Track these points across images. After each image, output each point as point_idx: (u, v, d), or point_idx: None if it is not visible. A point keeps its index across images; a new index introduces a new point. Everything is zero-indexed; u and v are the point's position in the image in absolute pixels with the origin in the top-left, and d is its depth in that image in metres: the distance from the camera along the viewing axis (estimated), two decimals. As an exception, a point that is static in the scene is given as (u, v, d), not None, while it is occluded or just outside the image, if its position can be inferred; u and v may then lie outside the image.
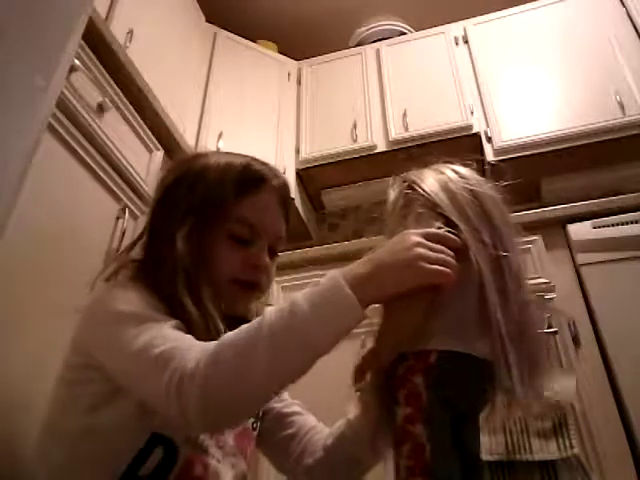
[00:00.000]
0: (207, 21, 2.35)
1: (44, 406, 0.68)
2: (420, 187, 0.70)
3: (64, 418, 0.65)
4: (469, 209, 0.68)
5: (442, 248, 0.57)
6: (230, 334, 0.55)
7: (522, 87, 2.08)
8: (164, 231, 0.72)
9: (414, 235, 0.58)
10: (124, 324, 0.60)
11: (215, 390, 0.52)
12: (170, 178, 0.77)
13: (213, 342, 0.55)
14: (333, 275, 0.58)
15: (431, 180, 0.72)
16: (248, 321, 0.58)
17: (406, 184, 0.73)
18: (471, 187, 0.72)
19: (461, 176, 0.75)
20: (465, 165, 0.81)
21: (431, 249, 0.57)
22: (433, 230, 0.60)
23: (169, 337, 0.58)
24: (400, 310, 0.61)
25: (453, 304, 0.59)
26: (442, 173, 0.76)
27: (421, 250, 0.56)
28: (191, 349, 0.55)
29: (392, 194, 0.73)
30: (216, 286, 0.70)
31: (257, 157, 0.80)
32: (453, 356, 0.58)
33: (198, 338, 0.59)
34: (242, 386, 0.53)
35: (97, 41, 1.16)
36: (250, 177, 0.75)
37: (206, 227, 0.71)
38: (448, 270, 0.55)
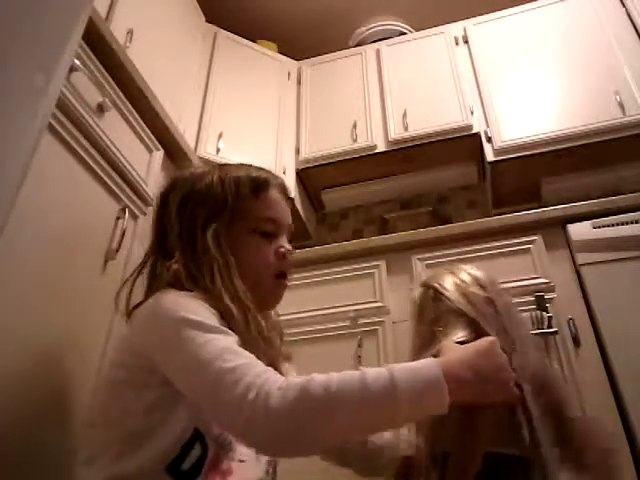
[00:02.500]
0: (207, 21, 2.35)
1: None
2: (445, 296, 0.82)
3: (124, 417, 0.67)
4: (486, 310, 0.78)
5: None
6: (323, 378, 0.58)
7: (522, 87, 2.09)
8: (193, 238, 0.77)
9: (499, 351, 0.66)
10: (190, 331, 0.63)
11: (291, 424, 0.56)
12: (183, 192, 0.83)
13: (297, 379, 0.58)
14: (438, 375, 0.59)
15: (451, 286, 0.84)
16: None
17: (431, 291, 0.85)
18: (486, 292, 0.83)
19: (475, 279, 0.85)
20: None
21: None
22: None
23: (241, 354, 0.62)
24: (485, 420, 0.68)
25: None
26: (459, 277, 0.86)
27: (511, 373, 0.65)
28: (267, 371, 0.59)
29: (416, 299, 0.87)
30: (256, 282, 0.78)
31: (251, 164, 0.90)
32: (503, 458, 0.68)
33: (239, 334, 0.65)
34: (315, 434, 0.57)
35: (97, 41, 1.16)
36: (258, 181, 0.84)
37: (230, 229, 0.79)
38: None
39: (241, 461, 0.72)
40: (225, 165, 0.88)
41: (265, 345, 0.74)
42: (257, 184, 0.83)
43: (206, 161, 1.90)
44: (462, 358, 0.64)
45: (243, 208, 0.81)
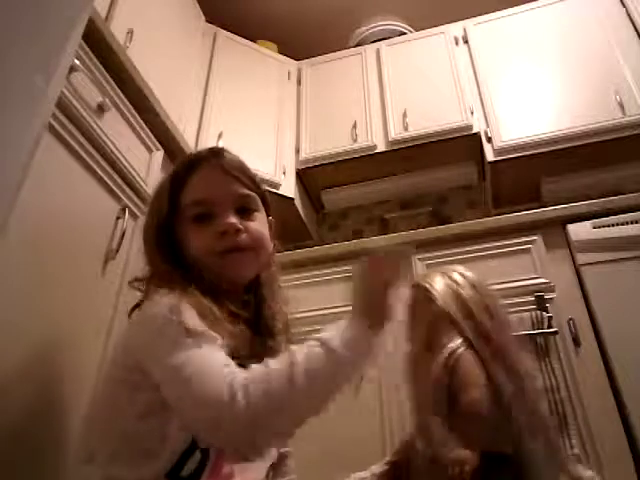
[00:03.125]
0: (207, 21, 2.35)
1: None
2: (434, 296, 0.82)
3: (119, 417, 0.67)
4: (474, 307, 0.79)
5: None
6: (265, 372, 0.59)
7: (522, 87, 2.09)
8: (145, 243, 0.80)
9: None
10: (171, 335, 0.63)
11: (258, 415, 0.56)
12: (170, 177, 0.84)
13: (254, 372, 0.59)
14: (360, 324, 0.66)
15: (442, 287, 0.84)
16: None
17: (421, 291, 0.86)
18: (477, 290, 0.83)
19: (468, 280, 0.86)
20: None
21: None
22: None
23: (211, 361, 0.61)
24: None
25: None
26: (451, 278, 0.86)
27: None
28: (229, 380, 0.58)
29: (407, 300, 0.86)
30: (207, 267, 0.75)
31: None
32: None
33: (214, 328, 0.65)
34: (278, 427, 0.59)
35: (97, 41, 1.16)
36: (183, 166, 0.82)
37: (176, 227, 0.79)
38: None
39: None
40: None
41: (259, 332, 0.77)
42: (184, 169, 0.81)
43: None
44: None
45: (176, 202, 0.80)
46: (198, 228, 0.77)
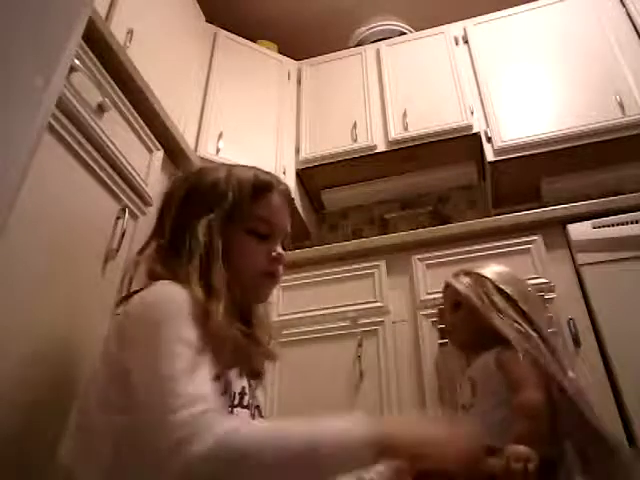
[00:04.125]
0: (207, 21, 2.35)
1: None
2: (490, 281, 0.90)
3: (111, 412, 0.67)
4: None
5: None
6: (251, 436, 0.58)
7: (522, 87, 2.09)
8: (187, 223, 0.80)
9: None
10: (165, 337, 0.64)
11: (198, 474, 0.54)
12: (188, 186, 0.86)
13: (237, 432, 0.57)
14: (367, 440, 0.59)
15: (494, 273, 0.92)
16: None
17: (486, 281, 0.91)
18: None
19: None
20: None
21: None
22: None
23: (194, 383, 0.60)
24: None
25: None
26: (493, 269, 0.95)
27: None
28: (213, 426, 0.56)
29: (461, 287, 0.91)
30: (244, 278, 0.80)
31: (259, 167, 0.91)
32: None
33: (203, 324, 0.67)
34: None
35: (97, 41, 1.16)
36: (262, 182, 0.86)
37: (227, 226, 0.80)
38: None
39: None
40: (235, 166, 0.90)
41: (248, 342, 0.77)
42: (260, 186, 0.85)
43: (206, 161, 1.90)
44: (423, 430, 0.64)
45: (242, 207, 0.82)
46: (254, 241, 0.83)
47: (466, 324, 0.91)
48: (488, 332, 0.88)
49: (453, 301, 0.95)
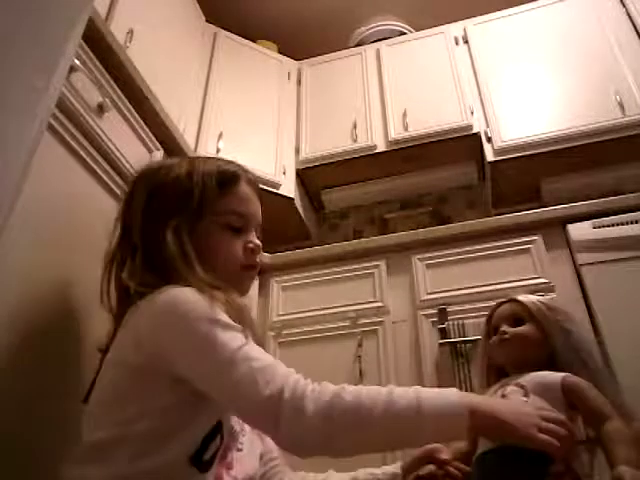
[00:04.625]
0: (207, 21, 2.35)
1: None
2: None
3: (135, 414, 0.65)
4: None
5: (557, 419, 0.67)
6: (353, 388, 0.62)
7: (522, 87, 2.09)
8: (154, 230, 0.77)
9: (536, 409, 0.69)
10: (210, 328, 0.64)
11: (323, 428, 0.58)
12: (151, 183, 0.83)
13: (329, 385, 0.62)
14: (459, 402, 0.63)
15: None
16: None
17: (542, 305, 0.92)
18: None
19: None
20: None
21: (546, 419, 0.66)
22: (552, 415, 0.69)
23: (265, 355, 0.64)
24: None
25: None
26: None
27: (537, 420, 0.65)
28: (293, 373, 0.63)
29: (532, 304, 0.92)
30: (223, 273, 0.77)
31: (221, 157, 0.93)
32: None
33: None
34: (339, 445, 0.61)
35: (97, 41, 1.16)
36: (227, 174, 0.84)
37: (198, 223, 0.78)
38: (556, 442, 0.63)
39: (239, 450, 0.74)
40: (195, 158, 0.88)
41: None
42: (225, 179, 0.83)
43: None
44: (493, 400, 0.74)
45: (211, 203, 0.80)
46: (229, 236, 0.81)
47: (528, 340, 0.89)
48: (545, 353, 0.87)
49: (516, 316, 0.93)
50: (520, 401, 0.76)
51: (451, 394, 0.64)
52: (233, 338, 0.64)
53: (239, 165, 0.88)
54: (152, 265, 0.75)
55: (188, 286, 0.70)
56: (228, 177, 0.83)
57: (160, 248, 0.75)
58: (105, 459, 0.64)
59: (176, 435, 0.64)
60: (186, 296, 0.68)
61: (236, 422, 0.75)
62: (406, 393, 0.62)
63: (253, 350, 0.63)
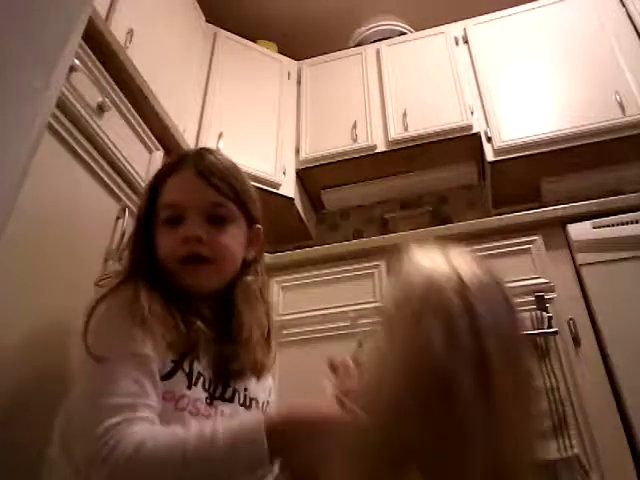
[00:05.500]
0: (207, 21, 2.35)
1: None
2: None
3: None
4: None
5: None
6: (155, 437, 0.60)
7: (522, 87, 2.09)
8: (129, 240, 0.85)
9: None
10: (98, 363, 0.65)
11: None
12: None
13: (141, 432, 0.60)
14: (258, 429, 0.61)
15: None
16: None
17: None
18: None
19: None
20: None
21: None
22: None
23: (120, 405, 0.62)
24: None
25: None
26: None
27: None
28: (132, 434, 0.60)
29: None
30: (169, 271, 0.77)
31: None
32: None
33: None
34: None
35: (97, 41, 1.16)
36: (165, 167, 0.84)
37: (146, 226, 0.81)
38: None
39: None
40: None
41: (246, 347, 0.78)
42: (160, 176, 0.83)
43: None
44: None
45: (148, 205, 0.82)
46: (166, 231, 0.78)
47: None
48: None
49: None
50: None
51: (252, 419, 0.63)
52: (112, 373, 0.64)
53: (186, 153, 0.87)
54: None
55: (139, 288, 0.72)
56: (162, 174, 0.83)
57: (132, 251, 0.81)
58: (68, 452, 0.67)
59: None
60: (103, 314, 0.70)
61: (213, 415, 0.74)
62: (200, 443, 0.60)
63: (111, 404, 0.62)
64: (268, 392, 0.87)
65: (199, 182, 0.79)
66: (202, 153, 0.85)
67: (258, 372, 0.83)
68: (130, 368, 0.65)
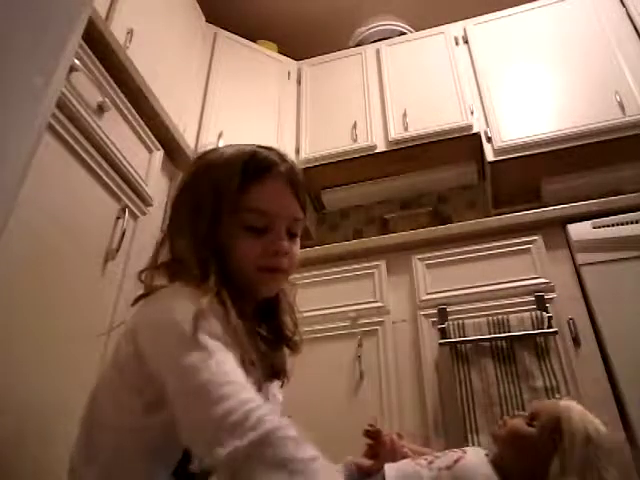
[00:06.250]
0: (207, 21, 2.35)
1: (81, 401, 0.69)
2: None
3: (117, 416, 0.66)
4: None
5: None
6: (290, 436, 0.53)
7: (522, 87, 2.09)
8: (181, 230, 0.75)
9: None
10: (186, 343, 0.59)
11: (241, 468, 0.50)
12: (184, 178, 0.81)
13: (278, 422, 0.53)
14: None
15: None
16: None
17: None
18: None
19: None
20: None
21: None
22: None
23: (232, 376, 0.57)
24: None
25: None
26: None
27: None
28: (258, 406, 0.54)
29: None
30: (242, 274, 0.74)
31: (262, 144, 0.81)
32: None
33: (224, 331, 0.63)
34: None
35: (97, 41, 1.16)
36: (254, 166, 0.75)
37: (220, 221, 0.73)
38: None
39: None
40: (230, 147, 0.80)
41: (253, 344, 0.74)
42: (249, 172, 0.75)
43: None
44: None
45: (229, 200, 0.73)
46: (249, 236, 0.74)
47: (519, 441, 0.77)
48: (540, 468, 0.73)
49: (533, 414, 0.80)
50: None
51: None
52: (207, 358, 0.58)
53: (276, 155, 0.79)
54: (169, 260, 0.74)
55: (195, 287, 0.67)
56: (251, 171, 0.75)
57: (180, 249, 0.73)
58: (91, 462, 0.65)
59: (154, 447, 0.63)
60: (176, 311, 0.64)
61: None
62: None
63: (226, 364, 0.58)
64: (278, 397, 0.86)
65: (289, 194, 0.78)
66: (287, 160, 0.80)
67: (282, 375, 0.84)
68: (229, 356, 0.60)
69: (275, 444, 0.51)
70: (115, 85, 1.21)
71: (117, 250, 1.13)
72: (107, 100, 1.15)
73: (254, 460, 0.50)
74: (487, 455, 0.78)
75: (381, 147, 2.19)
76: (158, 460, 0.64)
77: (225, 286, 0.70)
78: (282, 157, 0.79)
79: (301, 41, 2.74)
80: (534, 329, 1.29)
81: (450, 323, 1.38)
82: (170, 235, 0.77)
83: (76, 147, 1.05)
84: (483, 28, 2.31)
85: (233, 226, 0.74)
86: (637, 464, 0.97)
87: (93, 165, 1.10)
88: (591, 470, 0.68)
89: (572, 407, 0.75)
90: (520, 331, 1.30)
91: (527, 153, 1.95)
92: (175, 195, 0.80)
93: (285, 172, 0.77)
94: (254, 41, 2.53)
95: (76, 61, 1.04)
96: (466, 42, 2.31)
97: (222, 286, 0.69)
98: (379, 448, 0.89)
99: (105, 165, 1.14)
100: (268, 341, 0.80)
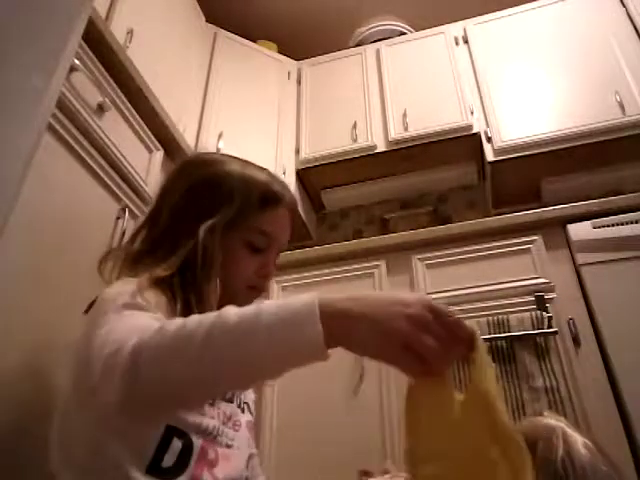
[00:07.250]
0: (207, 21, 2.35)
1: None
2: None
3: (80, 417, 0.63)
4: None
5: (440, 333, 0.48)
6: (184, 321, 0.52)
7: (522, 87, 2.09)
8: (187, 221, 0.76)
9: (412, 303, 0.49)
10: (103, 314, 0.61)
11: (141, 367, 0.49)
12: (195, 176, 0.83)
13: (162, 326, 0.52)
14: (311, 302, 0.50)
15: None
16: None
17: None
18: None
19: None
20: None
21: (425, 328, 0.48)
22: (444, 309, 0.50)
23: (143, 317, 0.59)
24: None
25: None
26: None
27: (408, 329, 0.47)
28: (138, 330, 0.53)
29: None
30: (230, 287, 0.77)
31: (272, 172, 0.88)
32: None
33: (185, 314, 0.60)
34: (166, 374, 0.50)
35: (97, 41, 1.16)
36: (272, 194, 0.82)
37: (228, 230, 0.77)
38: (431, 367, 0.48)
39: (228, 446, 0.70)
40: (247, 164, 0.87)
41: None
42: (269, 198, 0.81)
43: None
44: (356, 295, 0.53)
45: (247, 217, 0.79)
46: (247, 254, 0.80)
47: None
48: None
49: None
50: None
51: (300, 300, 0.51)
52: (118, 319, 0.59)
53: (285, 187, 0.86)
54: (158, 254, 0.75)
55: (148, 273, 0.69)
56: (272, 197, 0.82)
57: (181, 243, 0.74)
58: (59, 474, 0.62)
59: (116, 455, 0.60)
60: (111, 295, 0.66)
61: (216, 416, 0.71)
62: (242, 317, 0.50)
63: (117, 328, 0.56)
64: (252, 399, 0.87)
65: (289, 224, 0.86)
66: (295, 198, 0.89)
67: None
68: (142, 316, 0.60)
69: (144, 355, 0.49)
70: (115, 85, 1.21)
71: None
72: (107, 100, 1.15)
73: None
74: None
75: (381, 147, 2.19)
76: (132, 460, 0.60)
77: (187, 284, 0.71)
78: (288, 188, 0.87)
79: (301, 41, 2.74)
80: (534, 329, 1.29)
81: (450, 323, 1.38)
82: (172, 228, 0.78)
83: (76, 147, 1.05)
84: (483, 28, 2.31)
85: (235, 239, 0.78)
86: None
87: (93, 165, 1.10)
88: None
89: (553, 429, 0.69)
90: (520, 331, 1.30)
91: (527, 153, 1.95)
92: (187, 185, 0.81)
93: (290, 203, 0.86)
94: (254, 41, 2.54)
95: (76, 61, 1.04)
96: (466, 42, 2.31)
97: (180, 279, 0.71)
98: None
99: (105, 165, 1.14)
100: None
